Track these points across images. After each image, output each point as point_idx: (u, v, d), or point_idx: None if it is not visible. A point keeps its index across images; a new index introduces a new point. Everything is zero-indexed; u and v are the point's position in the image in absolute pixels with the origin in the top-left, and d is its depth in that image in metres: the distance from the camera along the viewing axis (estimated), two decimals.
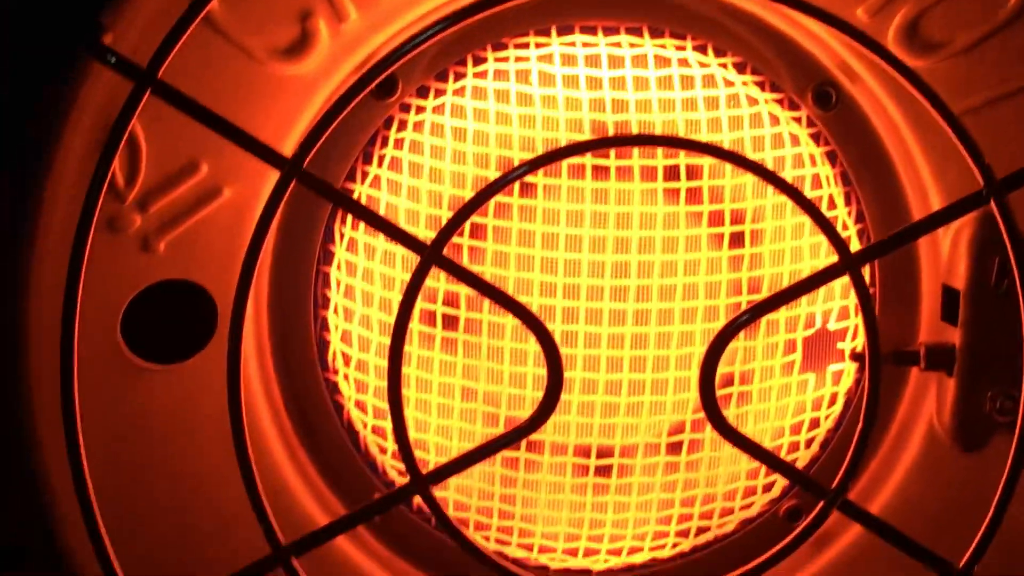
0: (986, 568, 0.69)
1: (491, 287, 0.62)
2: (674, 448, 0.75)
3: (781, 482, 0.79)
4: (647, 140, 0.67)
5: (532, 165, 0.63)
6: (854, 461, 0.64)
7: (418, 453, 0.73)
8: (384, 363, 0.69)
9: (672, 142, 0.66)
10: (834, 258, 0.64)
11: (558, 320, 0.72)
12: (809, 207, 0.62)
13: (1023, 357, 0.64)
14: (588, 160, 0.71)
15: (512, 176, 0.63)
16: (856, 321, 0.76)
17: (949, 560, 0.66)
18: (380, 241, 0.73)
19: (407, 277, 0.68)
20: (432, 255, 0.62)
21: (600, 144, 0.67)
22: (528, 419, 0.64)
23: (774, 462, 0.65)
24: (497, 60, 0.73)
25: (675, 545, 0.79)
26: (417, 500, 0.76)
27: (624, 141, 0.67)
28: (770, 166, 0.73)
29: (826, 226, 0.62)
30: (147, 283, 0.71)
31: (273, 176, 0.64)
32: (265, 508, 0.63)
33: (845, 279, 0.64)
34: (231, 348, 0.63)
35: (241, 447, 0.63)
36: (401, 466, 0.72)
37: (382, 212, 0.73)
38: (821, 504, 0.65)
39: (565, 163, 0.71)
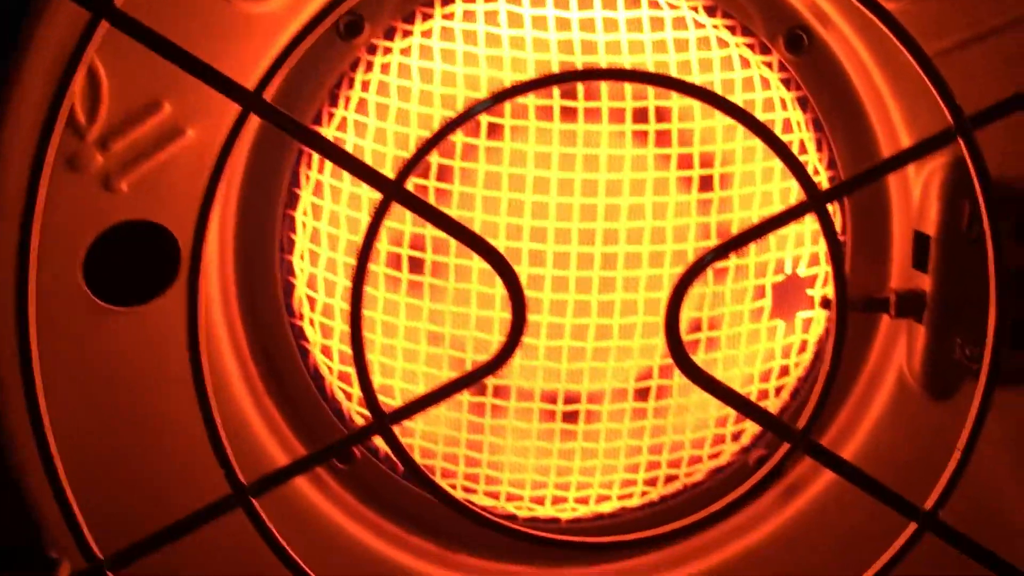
0: (956, 514, 0.68)
1: (453, 222, 0.61)
2: (641, 394, 0.74)
3: (751, 430, 0.78)
4: (618, 75, 0.66)
5: (499, 96, 0.61)
6: (820, 403, 0.64)
7: (384, 399, 0.73)
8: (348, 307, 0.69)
9: (644, 77, 0.65)
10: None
11: (524, 263, 0.71)
12: (774, 141, 0.61)
13: (991, 302, 0.63)
14: (556, 101, 0.71)
15: (480, 107, 0.61)
16: (826, 268, 0.76)
17: (916, 504, 0.65)
18: (346, 184, 0.73)
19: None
20: (394, 190, 0.61)
21: (569, 77, 0.66)
22: (490, 359, 0.63)
23: (739, 402, 0.64)
24: (465, 1, 0.72)
25: (644, 494, 0.78)
26: (383, 447, 0.76)
27: (594, 75, 0.66)
28: None
29: (790, 160, 0.61)
30: (109, 223, 0.70)
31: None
32: (225, 448, 0.63)
33: (815, 224, 0.64)
34: (190, 288, 0.62)
35: (201, 388, 0.62)
36: (366, 412, 0.71)
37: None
38: (787, 446, 0.64)
39: (532, 104, 0.70)
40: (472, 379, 0.64)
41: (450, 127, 0.62)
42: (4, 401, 0.69)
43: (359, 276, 0.61)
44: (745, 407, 0.65)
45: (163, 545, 0.64)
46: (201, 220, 0.61)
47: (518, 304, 0.62)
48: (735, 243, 0.63)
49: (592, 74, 0.66)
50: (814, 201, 0.62)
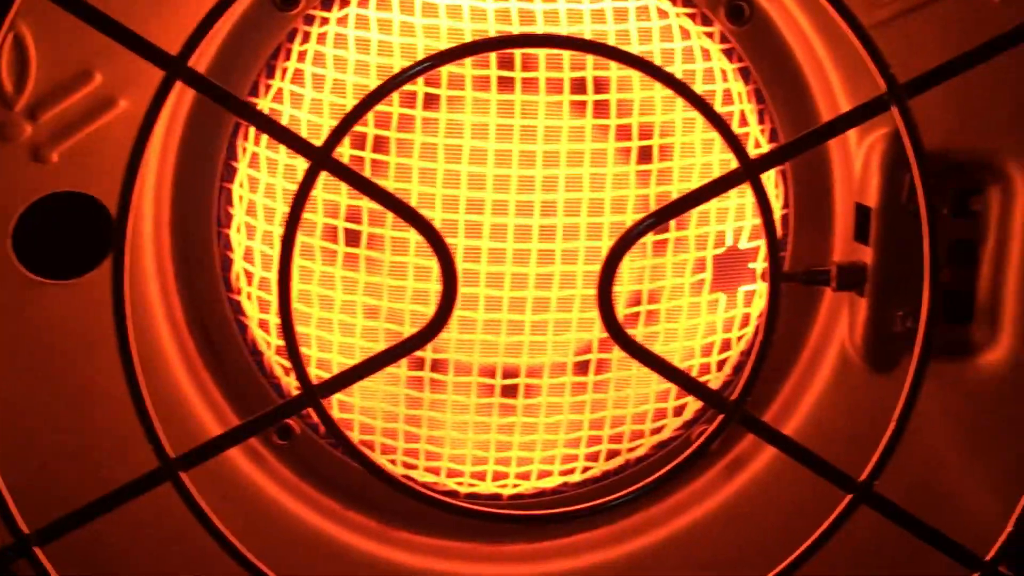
0: (902, 489, 0.68)
1: (381, 191, 0.60)
2: (581, 368, 0.74)
3: (693, 405, 0.78)
4: (551, 41, 0.65)
5: (434, 61, 0.61)
6: (753, 374, 0.63)
7: (322, 373, 0.72)
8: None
9: (577, 44, 0.64)
10: None
11: (461, 235, 0.70)
12: (707, 110, 0.60)
13: (925, 273, 0.63)
14: (493, 71, 0.70)
15: (411, 72, 0.61)
16: None
17: (851, 476, 0.65)
18: (282, 156, 0.72)
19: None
20: (322, 158, 0.60)
21: (506, 44, 0.65)
22: (419, 331, 0.62)
23: (671, 372, 0.63)
24: None
25: (586, 469, 0.78)
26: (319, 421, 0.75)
27: (528, 41, 0.65)
28: None
29: (723, 129, 0.60)
30: (39, 194, 0.69)
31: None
32: (153, 422, 0.62)
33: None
34: (115, 261, 0.61)
35: (127, 361, 0.61)
36: None
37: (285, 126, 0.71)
38: (721, 417, 0.64)
39: (469, 74, 0.70)
40: (403, 350, 0.63)
41: (379, 94, 0.61)
42: None
43: (287, 245, 0.61)
44: (678, 378, 0.64)
45: (90, 520, 0.63)
46: (126, 189, 0.60)
47: (449, 275, 0.62)
48: (665, 213, 0.62)
49: (526, 40, 0.66)
50: (746, 170, 0.61)
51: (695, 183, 0.72)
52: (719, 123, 0.61)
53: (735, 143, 0.61)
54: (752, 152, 0.72)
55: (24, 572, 0.67)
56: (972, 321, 0.74)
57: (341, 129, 0.60)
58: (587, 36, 0.70)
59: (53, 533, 0.62)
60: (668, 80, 0.61)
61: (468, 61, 0.69)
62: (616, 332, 0.63)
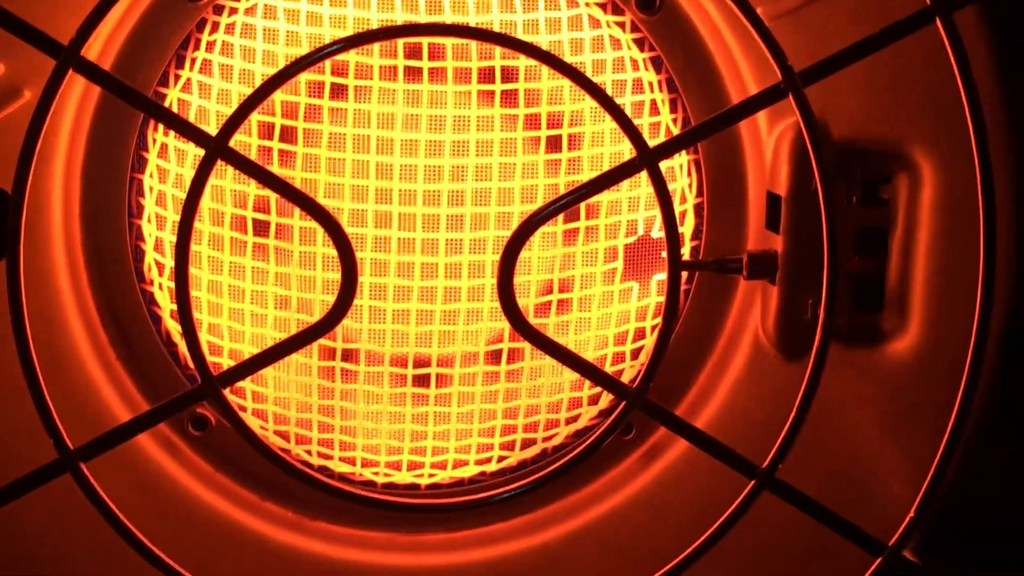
0: (810, 475, 0.68)
1: (276, 179, 0.60)
2: (493, 357, 0.74)
3: (608, 395, 0.78)
4: (453, 30, 0.65)
5: (337, 46, 0.61)
6: (655, 359, 0.63)
7: (232, 364, 0.71)
8: (198, 272, 0.68)
9: (474, 33, 0.64)
10: None
11: (370, 225, 0.70)
12: (603, 97, 0.61)
13: (824, 259, 0.63)
14: (400, 61, 0.70)
15: (313, 57, 0.61)
16: (682, 230, 0.75)
17: (754, 463, 0.65)
18: (191, 147, 0.72)
19: (218, 183, 0.66)
20: (217, 147, 0.60)
21: (409, 31, 0.65)
22: (320, 319, 0.62)
23: (572, 359, 0.64)
24: None
25: (502, 459, 0.78)
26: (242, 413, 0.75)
27: (433, 29, 0.65)
28: (589, 70, 0.72)
29: (620, 117, 0.60)
30: None
31: (74, 78, 0.61)
32: (49, 409, 0.61)
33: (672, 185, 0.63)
34: (10, 249, 0.60)
35: (23, 349, 0.61)
36: None
37: (192, 117, 0.71)
38: (623, 404, 0.64)
39: (376, 64, 0.70)
40: (304, 339, 0.63)
41: (277, 80, 0.61)
42: None
43: (183, 234, 0.61)
44: (578, 365, 0.64)
45: None
46: (20, 178, 0.60)
47: (348, 262, 0.62)
48: (564, 202, 0.62)
49: (430, 29, 0.65)
50: (643, 157, 0.61)
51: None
52: (615, 110, 0.61)
53: (632, 130, 0.61)
54: (663, 139, 0.72)
55: None
56: (883, 309, 0.73)
57: (237, 117, 0.60)
58: (495, 25, 0.70)
59: None
60: (565, 68, 0.61)
61: (375, 50, 0.69)
62: (516, 320, 0.63)
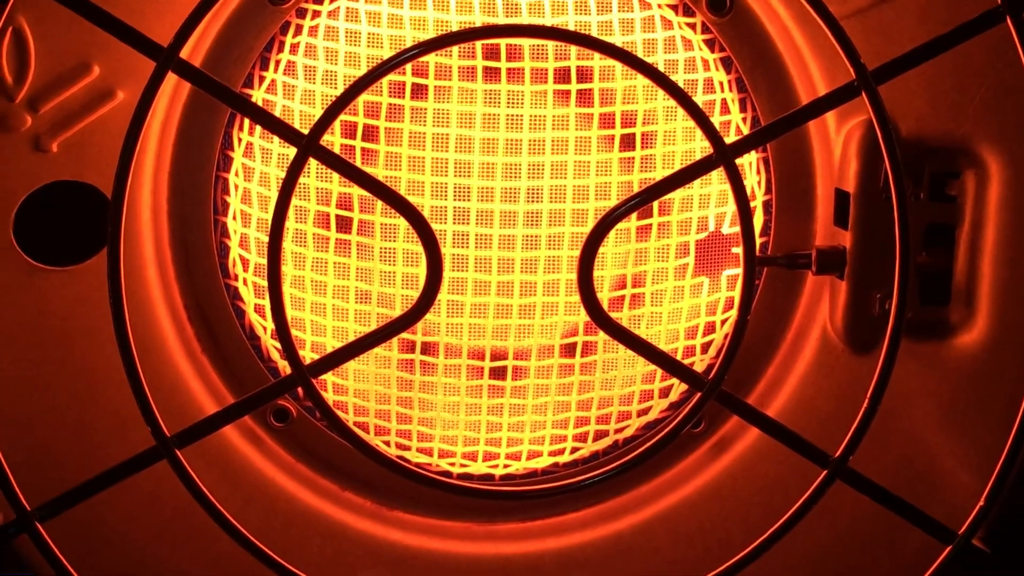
0: (885, 468, 0.70)
1: (366, 176, 0.62)
2: (568, 350, 0.76)
3: (679, 387, 0.80)
4: (534, 31, 0.67)
5: (424, 47, 0.63)
6: (730, 352, 0.65)
7: (317, 356, 0.74)
8: (284, 268, 0.70)
9: (556, 34, 0.66)
10: None
11: (449, 221, 0.72)
12: (682, 96, 0.62)
13: (897, 255, 0.64)
14: (479, 62, 0.72)
15: (396, 60, 0.63)
16: None
17: (826, 452, 0.67)
18: (276, 145, 0.74)
19: (303, 180, 0.68)
20: (309, 145, 0.62)
21: (491, 33, 0.67)
22: (406, 312, 0.64)
23: (649, 351, 0.65)
24: None
25: (575, 450, 0.80)
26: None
27: (513, 31, 0.67)
28: (661, 70, 0.73)
29: (698, 115, 0.62)
30: (40, 183, 0.71)
31: (166, 79, 0.64)
32: (149, 401, 0.64)
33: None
34: (111, 246, 0.63)
35: (123, 340, 0.63)
36: None
37: (278, 115, 0.73)
38: (699, 395, 0.66)
39: (456, 65, 0.72)
40: (390, 331, 0.65)
41: (364, 82, 0.63)
42: None
43: (276, 230, 0.63)
44: (656, 357, 0.66)
45: (89, 495, 0.66)
46: (120, 175, 0.62)
47: (434, 258, 0.64)
48: (643, 197, 0.64)
49: (511, 30, 0.67)
50: (720, 155, 0.63)
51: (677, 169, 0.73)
52: (694, 110, 0.63)
53: (710, 129, 0.63)
54: (733, 137, 0.74)
55: (25, 549, 0.70)
56: (949, 303, 0.75)
57: (328, 117, 0.63)
58: (570, 26, 0.72)
59: (54, 509, 0.65)
60: (645, 68, 0.63)
61: (455, 51, 0.71)
62: (597, 313, 0.65)
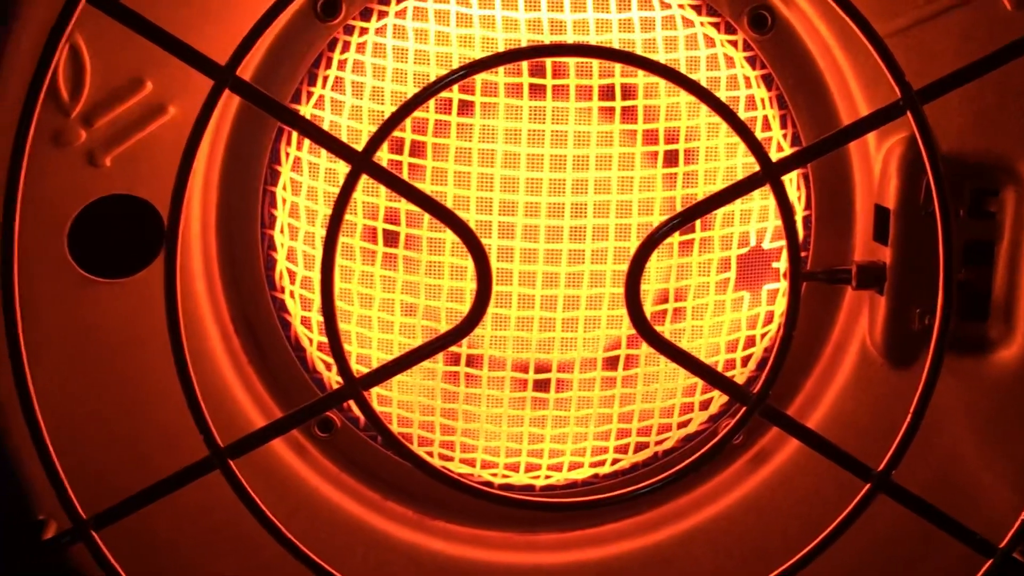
0: (922, 483, 0.71)
1: (419, 193, 0.64)
2: (610, 363, 0.77)
3: (719, 400, 0.80)
4: (581, 50, 0.69)
5: (470, 69, 0.64)
6: (775, 367, 0.66)
7: (361, 369, 0.75)
8: None
9: (603, 52, 0.67)
10: None
11: (494, 235, 0.73)
12: (728, 114, 0.63)
13: (940, 272, 0.65)
14: (525, 79, 0.73)
15: (448, 80, 0.64)
16: None
17: (869, 466, 0.67)
18: (323, 160, 0.75)
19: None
20: (362, 162, 0.63)
21: (537, 53, 0.68)
22: (456, 326, 0.65)
23: (695, 365, 0.66)
24: None
25: (615, 461, 0.81)
26: (363, 417, 0.78)
27: (559, 50, 0.69)
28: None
29: (744, 132, 0.63)
30: (93, 197, 0.72)
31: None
32: (203, 411, 0.65)
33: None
34: (167, 260, 0.64)
35: (179, 354, 0.64)
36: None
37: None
38: (744, 409, 0.67)
39: (502, 81, 0.73)
40: (439, 346, 0.66)
41: (417, 100, 0.64)
42: None
43: (330, 244, 0.64)
44: (704, 372, 0.67)
45: (145, 505, 0.67)
46: (177, 192, 0.63)
47: (484, 273, 0.65)
48: (690, 214, 0.65)
49: (557, 49, 0.69)
50: (767, 172, 0.64)
51: (719, 185, 0.75)
52: (741, 128, 0.64)
53: (756, 146, 0.64)
54: (774, 154, 0.75)
55: (77, 558, 0.71)
56: (988, 318, 0.76)
57: (381, 134, 0.64)
58: (615, 44, 0.73)
59: (110, 517, 0.66)
60: (692, 86, 0.64)
61: (501, 69, 0.73)
62: (643, 328, 0.66)
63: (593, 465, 0.80)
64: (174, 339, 0.64)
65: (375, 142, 0.63)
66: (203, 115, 0.63)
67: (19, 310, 0.65)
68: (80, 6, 0.62)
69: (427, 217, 0.72)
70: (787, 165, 0.65)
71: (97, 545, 0.66)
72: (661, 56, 0.74)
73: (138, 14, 0.61)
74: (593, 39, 0.74)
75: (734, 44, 0.76)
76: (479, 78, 0.72)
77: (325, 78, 0.75)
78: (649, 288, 0.75)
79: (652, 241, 0.65)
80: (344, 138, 0.74)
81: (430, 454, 0.79)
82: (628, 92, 0.73)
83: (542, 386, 0.76)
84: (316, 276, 0.75)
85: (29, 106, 0.62)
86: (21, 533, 0.72)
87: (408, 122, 0.73)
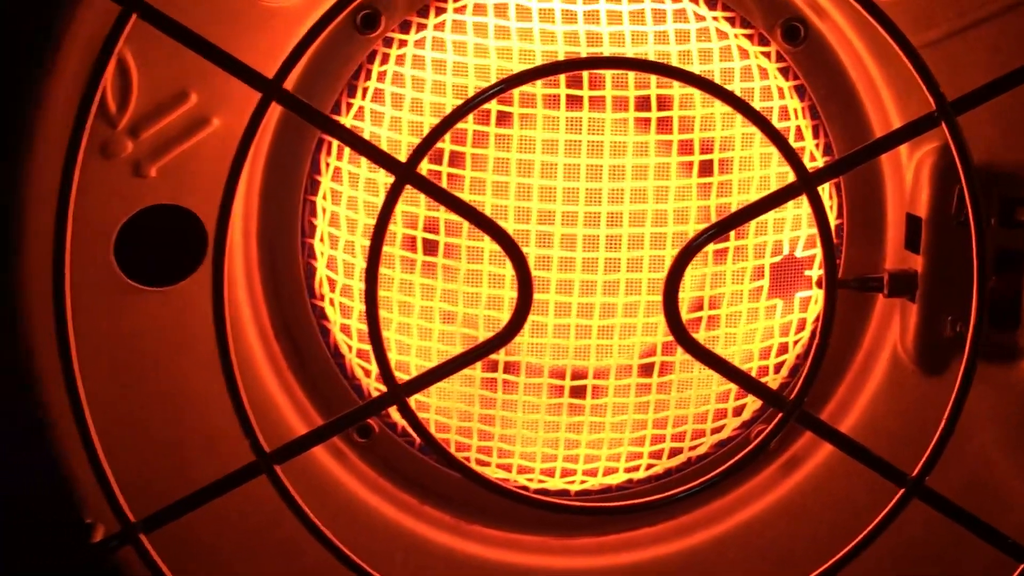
0: (953, 488, 0.72)
1: (462, 203, 0.65)
2: (646, 370, 0.78)
3: (751, 405, 0.82)
4: (618, 63, 0.70)
5: (507, 83, 0.65)
6: (811, 374, 0.67)
7: (400, 375, 0.76)
8: None
9: (640, 64, 0.68)
10: None
11: (532, 245, 0.75)
12: (766, 125, 0.64)
13: (975, 281, 0.66)
14: (562, 90, 0.74)
15: (487, 94, 0.65)
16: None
17: (904, 471, 0.68)
18: (363, 170, 0.76)
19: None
20: (406, 172, 0.65)
21: (575, 66, 0.70)
22: (497, 334, 0.66)
23: (732, 372, 0.67)
24: None
25: (650, 467, 0.82)
26: (400, 422, 0.80)
27: (596, 63, 0.70)
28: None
29: (781, 143, 0.64)
30: (139, 207, 0.74)
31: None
32: (249, 417, 0.66)
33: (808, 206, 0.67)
34: (215, 269, 0.65)
35: (226, 363, 0.66)
36: (383, 387, 0.75)
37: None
38: (780, 415, 0.68)
39: (540, 92, 0.74)
40: (480, 353, 0.68)
41: (459, 113, 0.65)
42: (41, 375, 0.73)
43: (374, 254, 0.65)
44: (740, 379, 0.68)
45: (193, 509, 0.68)
46: (225, 203, 0.65)
47: (524, 282, 0.66)
48: (727, 224, 0.67)
49: (594, 62, 0.70)
50: (803, 182, 0.65)
51: (753, 195, 0.76)
52: (777, 138, 0.65)
53: (793, 157, 0.65)
54: (807, 165, 0.76)
55: (123, 562, 0.72)
56: (1019, 327, 0.77)
57: (424, 146, 0.65)
58: (651, 56, 0.75)
59: (158, 521, 0.67)
60: (729, 98, 0.65)
61: (539, 81, 0.74)
62: (681, 335, 0.67)
63: (628, 470, 0.81)
64: (221, 347, 0.66)
65: (419, 153, 0.65)
66: (250, 128, 0.64)
67: (71, 321, 0.66)
68: (132, 21, 0.63)
69: (466, 226, 0.74)
70: (823, 175, 0.66)
71: (145, 548, 0.67)
72: (696, 67, 0.75)
73: (189, 29, 0.63)
74: (629, 51, 0.75)
75: (767, 55, 0.77)
76: (517, 90, 0.73)
77: (365, 90, 0.77)
78: (684, 296, 0.76)
79: (689, 251, 0.66)
80: (384, 148, 0.75)
81: (467, 459, 0.80)
82: (664, 103, 0.75)
83: (578, 392, 0.78)
84: (356, 284, 0.77)
85: (80, 120, 0.64)
86: (71, 536, 0.73)
87: (448, 133, 0.74)
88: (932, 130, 0.66)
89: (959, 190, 0.73)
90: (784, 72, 0.78)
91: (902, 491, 0.68)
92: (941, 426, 0.68)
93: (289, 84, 0.73)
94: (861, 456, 0.68)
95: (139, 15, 0.63)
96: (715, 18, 0.77)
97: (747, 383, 0.68)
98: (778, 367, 0.80)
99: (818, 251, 0.78)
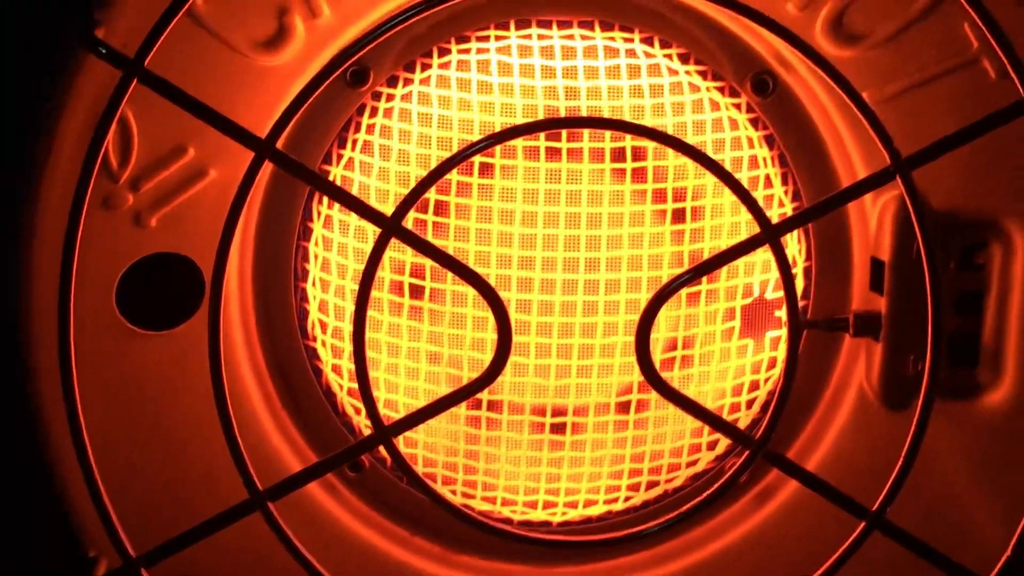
0: (915, 521, 0.75)
1: (443, 254, 0.69)
2: (623, 407, 0.82)
3: (724, 441, 0.85)
4: (594, 123, 0.74)
5: (489, 141, 0.69)
6: (776, 412, 0.71)
7: (388, 413, 0.80)
8: None
9: (612, 124, 0.72)
10: None
11: (513, 289, 0.78)
12: (728, 178, 0.68)
13: (929, 322, 0.70)
14: (542, 142, 0.78)
15: (469, 151, 0.69)
16: None
17: (864, 505, 0.72)
18: (353, 218, 0.80)
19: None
20: (391, 226, 0.68)
21: (552, 125, 0.73)
22: (479, 376, 0.70)
23: (702, 412, 0.71)
24: (460, 51, 0.80)
25: (628, 499, 0.85)
26: (388, 456, 0.83)
27: (573, 122, 0.74)
28: (710, 148, 0.79)
29: (744, 195, 0.68)
30: (140, 255, 0.77)
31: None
32: (243, 456, 0.70)
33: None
34: (211, 313, 0.69)
35: (222, 403, 0.70)
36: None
37: (355, 192, 0.80)
38: (747, 453, 0.72)
39: (520, 145, 0.78)
40: (465, 394, 0.72)
41: (442, 170, 0.69)
42: (46, 415, 0.77)
43: (361, 302, 0.69)
44: (707, 417, 0.72)
45: (191, 543, 0.72)
46: (222, 251, 0.69)
47: (504, 326, 0.70)
48: (695, 272, 0.70)
49: (570, 122, 0.74)
50: (766, 234, 0.69)
51: (724, 240, 0.80)
52: (742, 193, 0.69)
53: (757, 210, 0.69)
54: (775, 210, 0.80)
55: None
56: (978, 365, 0.81)
57: (409, 200, 0.69)
58: (626, 109, 0.79)
59: (158, 556, 0.71)
60: (697, 156, 0.70)
61: None
62: (651, 376, 0.71)
63: (607, 502, 0.85)
64: (217, 389, 0.69)
65: (404, 208, 0.68)
66: (244, 184, 0.68)
67: (74, 364, 0.70)
68: (132, 86, 0.67)
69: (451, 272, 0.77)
70: (785, 227, 0.70)
71: None
72: (669, 119, 0.79)
73: (185, 92, 0.67)
74: (606, 104, 0.79)
75: (738, 107, 0.81)
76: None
77: (354, 141, 0.80)
78: (659, 336, 0.80)
79: (661, 297, 0.70)
80: (372, 198, 0.79)
81: (453, 492, 0.84)
82: (638, 154, 0.78)
83: (559, 429, 0.81)
84: (347, 327, 0.80)
85: (85, 177, 0.68)
86: (74, 570, 0.77)
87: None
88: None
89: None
90: (754, 123, 0.82)
91: (863, 524, 0.71)
92: (900, 461, 0.71)
93: (282, 137, 0.77)
94: (823, 491, 0.72)
95: (140, 80, 0.66)
96: (687, 72, 0.80)
97: (715, 422, 0.72)
98: (750, 403, 0.84)
99: None
